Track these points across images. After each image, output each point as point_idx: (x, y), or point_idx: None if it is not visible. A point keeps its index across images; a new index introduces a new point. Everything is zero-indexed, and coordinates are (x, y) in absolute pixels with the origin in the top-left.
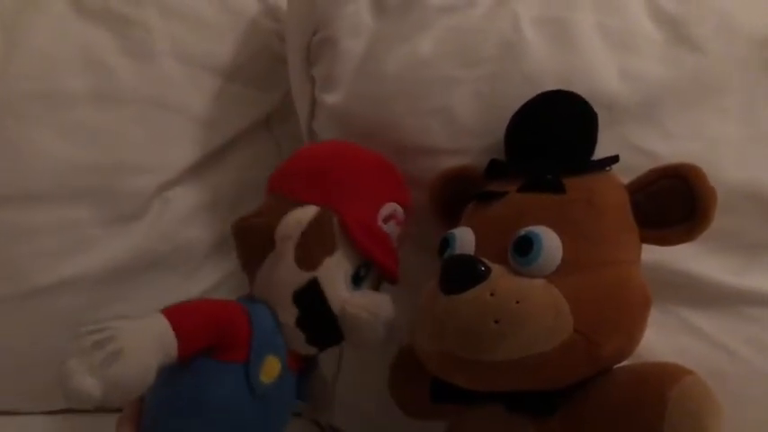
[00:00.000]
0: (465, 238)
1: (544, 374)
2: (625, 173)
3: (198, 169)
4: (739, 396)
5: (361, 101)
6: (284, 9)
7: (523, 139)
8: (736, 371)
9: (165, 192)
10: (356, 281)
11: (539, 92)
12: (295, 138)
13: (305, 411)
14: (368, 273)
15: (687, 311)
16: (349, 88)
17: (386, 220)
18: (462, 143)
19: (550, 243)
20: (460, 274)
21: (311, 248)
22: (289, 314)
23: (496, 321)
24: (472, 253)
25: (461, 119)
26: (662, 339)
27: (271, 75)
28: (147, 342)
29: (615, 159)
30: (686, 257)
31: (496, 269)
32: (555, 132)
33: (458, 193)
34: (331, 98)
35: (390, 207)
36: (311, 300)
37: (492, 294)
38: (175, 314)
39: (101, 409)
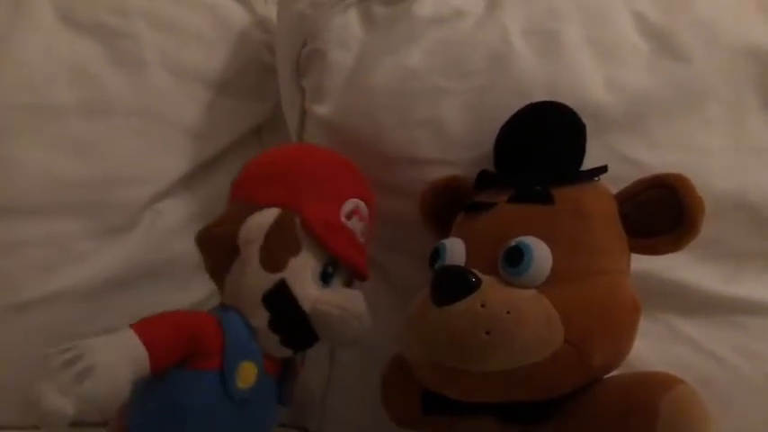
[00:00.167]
0: (455, 249)
1: (535, 385)
2: (612, 182)
3: (189, 181)
4: (727, 402)
5: (350, 112)
6: (274, 21)
7: (512, 150)
8: (725, 378)
9: (155, 203)
10: (325, 279)
11: (527, 103)
12: None
13: (289, 419)
14: (336, 270)
15: (676, 319)
16: (338, 100)
17: (349, 216)
18: (451, 154)
19: (540, 253)
20: (451, 286)
21: (275, 250)
22: (260, 318)
23: (488, 332)
24: (463, 264)
25: (450, 130)
26: (651, 348)
27: (261, 86)
28: (117, 357)
29: (604, 170)
30: (674, 266)
31: (487, 280)
32: (544, 143)
33: (448, 204)
34: (321, 109)
35: (352, 203)
36: (281, 301)
37: (483, 305)
38: (145, 327)
39: (81, 423)
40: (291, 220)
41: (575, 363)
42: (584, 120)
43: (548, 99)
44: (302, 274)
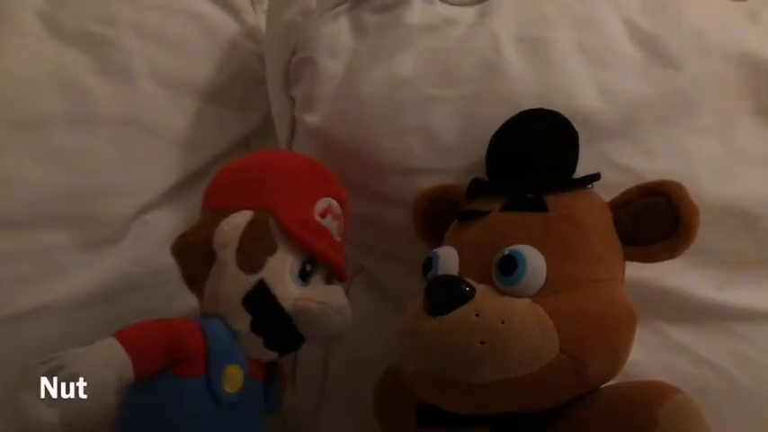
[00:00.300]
0: (448, 258)
1: (531, 395)
2: (604, 190)
3: (177, 191)
4: (724, 410)
5: (340, 121)
6: (263, 30)
7: (505, 158)
8: (721, 386)
9: (143, 215)
10: (304, 277)
11: (519, 111)
12: None
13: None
14: (314, 268)
15: (671, 328)
16: (329, 108)
17: (322, 214)
18: (443, 163)
19: (535, 262)
20: (445, 295)
21: (252, 250)
22: (242, 321)
23: (482, 342)
24: (456, 273)
25: (442, 139)
26: (647, 356)
27: (250, 96)
28: (100, 364)
29: (597, 177)
30: (669, 274)
31: (481, 289)
32: (536, 151)
33: (440, 213)
34: (311, 118)
35: (325, 201)
36: (262, 301)
37: (477, 315)
38: (126, 334)
39: None
40: (266, 221)
41: (570, 372)
42: (577, 127)
43: (539, 106)
44: (281, 273)
